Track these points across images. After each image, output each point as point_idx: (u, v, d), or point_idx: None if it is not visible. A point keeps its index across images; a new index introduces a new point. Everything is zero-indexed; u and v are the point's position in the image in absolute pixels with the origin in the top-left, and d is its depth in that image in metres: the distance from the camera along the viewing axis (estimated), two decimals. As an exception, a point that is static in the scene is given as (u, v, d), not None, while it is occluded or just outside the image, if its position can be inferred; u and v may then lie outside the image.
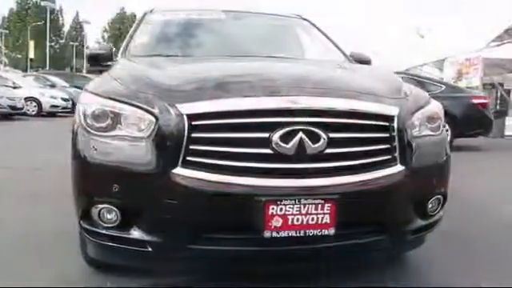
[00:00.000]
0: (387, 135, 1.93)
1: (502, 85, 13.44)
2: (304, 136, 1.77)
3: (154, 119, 1.84)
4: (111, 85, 2.12)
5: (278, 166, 1.79)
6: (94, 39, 49.06)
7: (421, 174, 2.02)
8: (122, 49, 3.02)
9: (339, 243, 1.88)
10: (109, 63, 3.01)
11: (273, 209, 1.76)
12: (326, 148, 1.80)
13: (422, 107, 2.15)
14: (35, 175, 4.96)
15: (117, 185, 1.85)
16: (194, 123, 1.77)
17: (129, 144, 1.87)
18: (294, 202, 1.77)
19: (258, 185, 1.77)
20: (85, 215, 1.97)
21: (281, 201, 1.76)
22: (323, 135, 1.79)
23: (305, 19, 3.67)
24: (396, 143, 1.94)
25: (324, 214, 1.79)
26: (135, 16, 49.08)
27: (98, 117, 1.95)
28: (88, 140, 1.94)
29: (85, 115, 1.99)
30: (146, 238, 1.87)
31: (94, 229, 1.96)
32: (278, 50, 3.13)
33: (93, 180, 1.94)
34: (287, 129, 1.77)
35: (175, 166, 1.78)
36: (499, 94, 12.73)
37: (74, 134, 2.05)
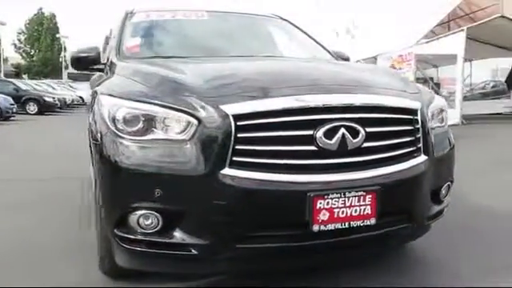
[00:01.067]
0: (413, 128, 2.04)
1: (432, 79, 14.40)
2: (345, 131, 1.84)
3: (195, 121, 1.82)
4: (136, 87, 2.06)
5: (322, 162, 1.85)
6: (10, 41, 45.84)
7: (438, 163, 2.16)
8: (113, 50, 2.91)
9: (377, 232, 1.97)
10: (98, 66, 2.93)
11: (320, 203, 1.81)
12: (363, 142, 1.88)
13: (432, 101, 2.30)
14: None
15: (159, 189, 1.80)
16: (239, 123, 1.78)
17: (170, 147, 1.84)
18: (339, 195, 1.83)
19: (305, 181, 1.82)
20: (120, 223, 1.90)
21: (327, 195, 1.81)
22: (361, 130, 1.87)
23: (284, 19, 3.74)
24: (420, 135, 2.06)
25: (366, 205, 1.87)
26: (55, 16, 46.60)
27: (130, 121, 1.90)
28: (121, 145, 1.88)
29: (114, 119, 1.93)
30: (190, 241, 1.84)
31: (130, 236, 1.90)
32: (276, 50, 3.18)
33: (131, 186, 1.87)
34: (330, 125, 1.83)
35: (223, 166, 1.77)
36: (430, 87, 13.64)
37: (98, 140, 1.98)
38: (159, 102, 1.89)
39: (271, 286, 2.10)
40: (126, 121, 1.91)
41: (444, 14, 14.83)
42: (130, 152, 1.86)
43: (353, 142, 1.86)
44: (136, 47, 2.96)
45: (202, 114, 1.82)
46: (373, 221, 1.90)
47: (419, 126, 2.06)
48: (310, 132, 1.82)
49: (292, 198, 1.81)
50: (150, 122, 1.88)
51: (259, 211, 1.82)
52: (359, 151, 1.88)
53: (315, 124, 1.83)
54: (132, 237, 1.90)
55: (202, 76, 2.09)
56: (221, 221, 1.81)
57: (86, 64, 2.99)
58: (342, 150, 1.84)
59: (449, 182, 2.31)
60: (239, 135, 1.78)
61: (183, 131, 1.84)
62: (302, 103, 1.84)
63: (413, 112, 2.05)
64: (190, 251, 1.86)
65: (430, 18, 15.04)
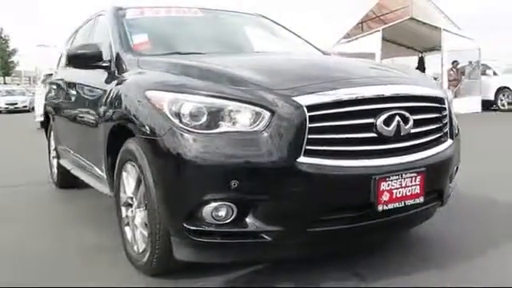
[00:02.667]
0: (441, 115, 2.28)
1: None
2: (399, 119, 2.02)
3: (268, 113, 1.89)
4: (192, 82, 2.07)
5: (382, 147, 2.01)
6: None
7: (456, 145, 2.42)
8: (117, 47, 2.84)
9: (421, 210, 2.19)
10: (103, 63, 2.85)
11: (383, 185, 1.97)
12: (411, 128, 2.08)
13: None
14: None
15: (236, 181, 1.85)
16: (311, 114, 1.88)
17: (244, 139, 1.88)
18: (397, 177, 2.00)
19: (370, 165, 1.97)
20: (191, 216, 1.92)
21: (389, 177, 1.98)
22: (410, 117, 2.06)
23: (267, 18, 3.87)
24: (447, 121, 2.31)
25: (416, 185, 2.07)
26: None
27: (197, 115, 1.92)
28: (191, 140, 1.90)
29: (179, 114, 1.94)
30: (264, 228, 1.91)
31: (202, 228, 1.92)
32: (280, 47, 3.30)
33: (205, 179, 1.89)
34: (388, 113, 2.00)
35: (298, 155, 1.87)
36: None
37: (157, 136, 1.97)
38: (229, 96, 1.93)
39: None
40: (192, 115, 1.93)
41: (360, 16, 15.78)
42: (203, 146, 1.88)
43: (405, 128, 2.04)
44: (146, 44, 2.91)
45: (274, 105, 1.89)
46: (421, 199, 2.10)
47: (446, 112, 2.30)
48: (372, 120, 1.98)
49: (359, 182, 1.95)
50: (219, 115, 1.91)
51: (330, 196, 1.94)
52: (409, 136, 2.08)
53: (375, 112, 1.99)
54: (205, 229, 1.92)
55: (257, 70, 2.16)
56: (294, 207, 1.90)
57: (85, 61, 2.89)
58: (397, 135, 2.02)
59: (458, 164, 2.60)
60: (312, 125, 1.88)
61: (255, 123, 1.90)
62: (363, 94, 1.99)
63: (441, 100, 2.29)
64: (264, 238, 1.93)
65: (348, 20, 15.95)
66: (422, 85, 2.29)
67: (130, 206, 2.43)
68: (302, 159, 1.87)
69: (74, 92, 3.51)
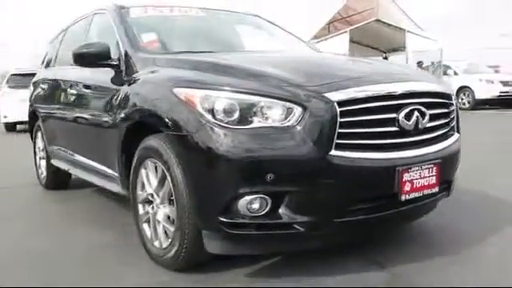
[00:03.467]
0: (449, 110, 2.43)
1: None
2: (418, 114, 2.15)
3: (300, 108, 1.97)
4: (220, 79, 2.12)
5: (404, 140, 2.14)
6: None
7: (459, 139, 2.58)
8: (129, 45, 2.85)
9: (435, 199, 2.33)
10: (112, 62, 2.85)
11: (405, 176, 2.09)
12: (428, 122, 2.21)
13: None
14: None
15: (272, 174, 1.92)
16: (342, 109, 1.98)
17: (278, 134, 1.95)
18: (417, 168, 2.13)
19: (394, 157, 2.09)
20: (226, 210, 1.98)
21: (410, 169, 2.11)
22: (427, 112, 2.20)
23: (261, 17, 3.96)
24: (454, 115, 2.46)
25: (433, 176, 2.20)
26: None
27: (229, 111, 1.98)
28: (225, 135, 1.95)
29: (212, 111, 1.99)
30: (296, 219, 1.99)
31: (237, 221, 1.99)
32: (282, 45, 3.39)
33: (241, 173, 1.95)
34: (409, 108, 2.12)
35: (330, 148, 1.96)
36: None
37: (189, 132, 2.02)
38: (261, 92, 2.00)
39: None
40: (225, 111, 1.99)
41: (328, 18, 16.14)
42: (239, 141, 1.94)
43: (422, 123, 2.18)
44: (155, 42, 2.93)
45: (306, 101, 1.98)
46: (436, 189, 2.24)
47: (453, 108, 2.46)
48: (394, 115, 2.10)
49: (385, 173, 2.07)
50: (252, 111, 1.98)
51: (358, 187, 2.05)
52: (425, 130, 2.22)
53: (398, 108, 2.11)
54: (240, 221, 1.99)
55: (281, 68, 2.24)
56: (326, 198, 1.99)
57: (92, 60, 2.88)
58: (416, 129, 2.16)
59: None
60: (342, 120, 1.98)
61: (287, 118, 1.97)
62: (387, 90, 2.11)
63: (449, 96, 2.44)
64: (296, 229, 2.01)
65: (315, 21, 16.28)
66: (433, 82, 2.44)
67: (150, 202, 2.45)
68: (333, 152, 1.96)
69: (73, 91, 3.47)
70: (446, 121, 2.39)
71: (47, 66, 4.74)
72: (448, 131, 2.42)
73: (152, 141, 2.35)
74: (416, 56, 15.40)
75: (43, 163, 4.54)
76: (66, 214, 3.64)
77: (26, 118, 5.00)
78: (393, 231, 2.80)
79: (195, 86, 2.11)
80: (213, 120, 1.99)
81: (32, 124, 4.81)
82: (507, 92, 14.08)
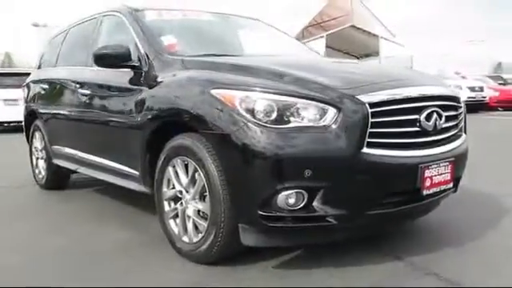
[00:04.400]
0: (458, 112, 2.63)
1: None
2: (436, 115, 2.34)
3: (334, 109, 2.12)
4: (258, 81, 2.25)
5: (424, 140, 2.32)
6: None
7: (467, 139, 2.79)
8: (150, 47, 2.93)
9: (447, 194, 2.52)
10: (132, 63, 2.93)
11: (426, 173, 2.27)
12: (444, 123, 2.41)
13: None
14: None
15: (309, 170, 2.06)
16: (372, 110, 2.14)
17: (315, 133, 2.10)
18: (436, 165, 2.32)
19: (417, 155, 2.27)
20: (265, 204, 2.11)
21: (431, 166, 2.29)
22: (443, 114, 2.39)
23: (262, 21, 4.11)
24: (462, 117, 2.67)
25: (448, 172, 2.40)
26: None
27: (268, 111, 2.12)
28: (265, 134, 2.08)
29: (252, 111, 2.12)
30: (330, 212, 2.14)
31: (276, 214, 2.12)
32: (291, 49, 3.56)
33: (281, 169, 2.08)
34: (429, 110, 2.31)
35: (362, 146, 2.12)
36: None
37: (235, 131, 2.13)
38: (298, 94, 2.14)
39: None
40: (265, 111, 2.12)
41: (305, 22, 16.46)
42: (278, 139, 2.07)
43: (440, 123, 2.37)
44: (176, 45, 3.02)
45: (340, 103, 2.13)
46: (450, 185, 2.44)
47: (462, 110, 2.67)
48: (416, 116, 2.28)
49: (409, 170, 2.24)
50: (289, 111, 2.12)
51: (386, 182, 2.22)
52: (442, 130, 2.41)
53: (419, 109, 2.29)
54: (279, 214, 2.12)
55: (311, 71, 2.40)
56: (357, 192, 2.15)
57: (113, 61, 2.95)
58: (434, 129, 2.34)
59: None
60: (372, 120, 2.14)
61: (322, 118, 2.12)
62: (412, 93, 2.30)
63: (459, 100, 2.65)
64: (330, 221, 2.16)
65: (291, 27, 16.58)
66: (445, 86, 2.64)
67: (178, 199, 2.55)
68: (365, 150, 2.12)
69: (85, 91, 3.50)
70: (456, 122, 2.59)
71: (45, 66, 4.74)
72: (459, 131, 2.62)
73: (183, 139, 2.45)
74: (388, 61, 15.89)
75: (42, 163, 4.53)
76: (74, 213, 3.66)
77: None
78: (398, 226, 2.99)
79: (234, 87, 2.23)
80: (253, 120, 2.11)
81: (28, 124, 4.78)
82: (474, 97, 14.80)
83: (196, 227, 2.46)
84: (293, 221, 2.15)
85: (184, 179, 2.49)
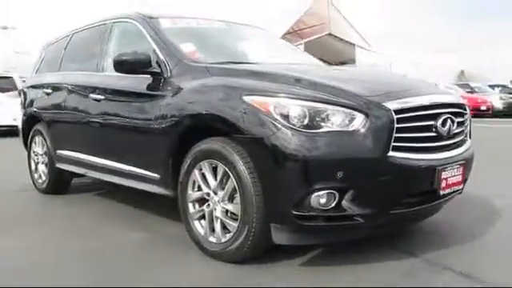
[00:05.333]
0: (464, 118, 2.84)
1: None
2: (450, 121, 2.53)
3: (362, 115, 2.28)
4: (288, 88, 2.39)
5: (440, 144, 2.51)
6: None
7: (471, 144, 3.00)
8: (170, 54, 3.03)
9: (457, 194, 2.72)
10: (153, 70, 3.01)
11: (443, 174, 2.46)
12: (455, 129, 2.61)
13: None
14: None
15: (341, 172, 2.21)
16: (397, 116, 2.31)
17: (345, 137, 2.25)
18: (451, 168, 2.51)
19: (434, 158, 2.45)
20: (299, 204, 2.24)
21: (446, 168, 2.48)
22: (455, 120, 2.59)
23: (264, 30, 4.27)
24: (467, 123, 2.88)
25: (459, 174, 2.59)
26: None
27: (301, 117, 2.26)
28: (300, 138, 2.22)
29: (286, 116, 2.26)
30: (358, 211, 2.29)
31: (309, 213, 2.25)
32: (300, 57, 3.72)
33: (314, 171, 2.22)
34: (444, 117, 2.50)
35: (388, 150, 2.28)
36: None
37: (270, 135, 2.26)
38: (328, 101, 2.29)
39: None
40: (298, 117, 2.26)
41: (283, 30, 16.73)
42: (312, 143, 2.21)
43: (452, 129, 2.56)
44: (195, 53, 3.12)
45: (368, 109, 2.29)
46: (461, 186, 2.64)
47: (467, 117, 2.87)
48: (433, 122, 2.47)
49: (429, 171, 2.42)
50: (321, 117, 2.26)
51: (409, 183, 2.39)
52: (454, 135, 2.60)
53: (435, 116, 2.48)
54: (312, 214, 2.25)
55: (335, 79, 2.55)
56: (383, 192, 2.31)
57: (134, 67, 3.02)
58: (448, 134, 2.54)
59: None
60: (397, 125, 2.31)
61: (351, 123, 2.27)
62: (430, 101, 2.49)
63: (465, 107, 2.85)
64: (357, 220, 2.31)
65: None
66: (453, 95, 2.84)
67: (205, 201, 2.65)
68: (390, 153, 2.29)
69: (97, 97, 3.54)
70: (463, 128, 2.79)
71: (45, 71, 4.75)
72: (465, 137, 2.82)
73: (212, 143, 2.56)
74: (370, 69, 16.33)
75: (42, 168, 4.53)
76: (84, 216, 3.70)
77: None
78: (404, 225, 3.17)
79: (267, 94, 2.36)
80: (288, 124, 2.25)
81: (27, 129, 4.77)
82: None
83: (224, 227, 2.56)
84: (324, 220, 2.29)
85: (212, 181, 2.60)
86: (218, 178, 2.56)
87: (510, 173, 5.33)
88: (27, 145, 4.84)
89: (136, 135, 3.16)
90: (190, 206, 2.75)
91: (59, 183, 4.43)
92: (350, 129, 2.27)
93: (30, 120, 4.71)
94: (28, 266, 2.62)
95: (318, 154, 2.22)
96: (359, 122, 2.27)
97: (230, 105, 2.45)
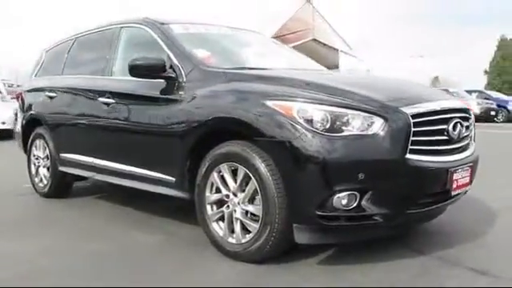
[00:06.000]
0: (470, 122, 2.98)
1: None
2: (459, 125, 2.67)
3: (381, 119, 2.39)
4: (309, 94, 2.48)
5: (451, 147, 2.64)
6: None
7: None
8: (185, 59, 3.09)
9: (463, 195, 2.86)
10: (168, 74, 3.07)
11: (454, 176, 2.59)
12: (464, 132, 2.74)
13: None
14: None
15: (362, 173, 2.32)
16: (414, 121, 2.43)
17: (366, 140, 2.36)
18: (461, 169, 2.64)
19: (447, 160, 2.58)
20: (323, 205, 2.33)
21: (457, 170, 2.61)
22: (464, 124, 2.73)
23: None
24: (472, 127, 3.02)
25: (468, 176, 2.73)
26: None
27: (324, 121, 2.36)
28: (323, 141, 2.32)
29: (309, 121, 2.36)
30: (377, 211, 2.39)
31: (331, 214, 2.35)
32: (306, 63, 3.84)
33: (337, 173, 2.32)
34: (454, 121, 2.63)
35: (406, 152, 2.40)
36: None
37: (293, 138, 2.35)
38: (349, 105, 2.40)
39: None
40: (321, 121, 2.35)
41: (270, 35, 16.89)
42: (334, 146, 2.32)
43: (462, 133, 2.70)
44: (210, 58, 3.19)
45: (386, 114, 2.40)
46: (469, 187, 2.77)
47: (472, 121, 3.02)
48: (445, 126, 2.60)
49: (442, 173, 2.54)
50: (342, 121, 2.37)
51: (424, 184, 2.51)
52: (462, 139, 2.74)
53: (447, 120, 2.61)
54: (334, 214, 2.35)
55: (352, 85, 2.65)
56: (400, 193, 2.43)
57: (149, 72, 3.08)
58: (458, 138, 2.67)
59: None
60: (413, 129, 2.43)
61: (370, 127, 2.38)
62: (443, 106, 2.62)
63: (470, 112, 3.00)
64: (376, 220, 2.41)
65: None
66: (459, 100, 2.99)
67: (224, 202, 2.72)
68: (408, 156, 2.40)
69: (107, 100, 3.57)
70: (468, 132, 2.94)
71: (45, 74, 4.74)
72: (470, 140, 2.97)
73: (232, 146, 2.63)
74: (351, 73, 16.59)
75: (44, 171, 4.52)
76: (92, 219, 3.72)
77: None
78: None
79: (290, 99, 2.45)
80: (311, 128, 2.34)
81: (27, 132, 4.75)
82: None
83: (243, 228, 2.64)
84: (345, 220, 2.39)
85: (232, 183, 2.67)
86: (239, 180, 2.63)
87: (496, 177, 5.52)
88: (26, 148, 4.82)
89: (150, 138, 3.21)
90: (208, 207, 2.81)
91: (61, 187, 4.43)
92: (370, 132, 2.37)
93: (31, 123, 4.70)
94: (46, 268, 2.65)
95: (341, 156, 2.32)
96: (378, 126, 2.38)
97: (253, 109, 2.53)
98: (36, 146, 4.63)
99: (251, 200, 2.60)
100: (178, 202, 3.08)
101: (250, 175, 2.54)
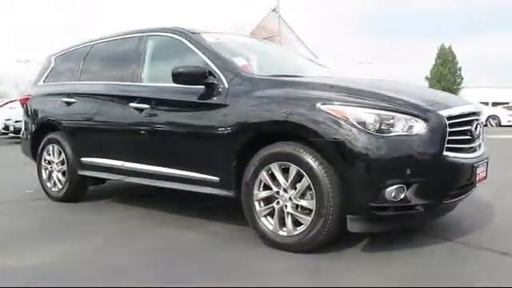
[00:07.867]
0: (479, 123, 3.39)
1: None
2: (479, 126, 3.07)
3: (423, 122, 2.72)
4: (357, 99, 2.78)
5: (472, 145, 3.03)
6: None
7: None
8: (223, 67, 3.31)
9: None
10: (209, 81, 3.29)
11: (477, 170, 2.97)
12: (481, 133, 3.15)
13: None
14: None
15: (410, 169, 2.65)
16: (449, 122, 2.79)
17: (411, 139, 2.68)
18: (481, 165, 3.03)
19: (471, 157, 2.97)
20: (375, 197, 2.64)
21: (479, 166, 2.99)
22: (480, 124, 3.13)
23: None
24: (482, 128, 3.43)
25: (485, 170, 3.13)
26: None
27: (375, 123, 2.67)
28: (376, 141, 2.63)
29: (363, 123, 2.66)
30: (419, 202, 2.72)
31: (383, 205, 2.66)
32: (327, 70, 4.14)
33: (390, 169, 2.64)
34: (476, 123, 3.03)
35: (443, 150, 2.75)
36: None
37: (349, 138, 2.65)
38: (396, 109, 2.72)
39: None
40: (373, 123, 2.66)
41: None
42: (386, 145, 2.63)
43: (480, 132, 3.10)
44: (248, 66, 3.43)
45: (427, 116, 2.74)
46: (485, 181, 3.17)
47: (481, 122, 3.43)
48: (469, 127, 2.99)
49: (469, 168, 2.92)
50: (390, 123, 2.68)
51: (456, 177, 2.87)
52: (479, 137, 3.14)
53: (471, 122, 3.00)
54: (385, 205, 2.66)
55: (393, 91, 2.96)
56: (438, 185, 2.77)
57: (192, 79, 3.29)
58: (477, 137, 3.07)
59: None
60: (448, 130, 2.79)
61: (413, 128, 2.71)
62: (469, 109, 3.01)
63: (479, 113, 3.41)
64: (418, 209, 2.75)
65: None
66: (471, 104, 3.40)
67: (274, 199, 2.97)
68: (444, 153, 2.76)
69: (140, 106, 3.70)
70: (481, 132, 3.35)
71: (56, 80, 4.79)
72: (482, 139, 3.38)
73: (283, 147, 2.89)
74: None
75: (58, 176, 4.57)
76: (125, 221, 3.83)
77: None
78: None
79: (342, 103, 2.74)
80: (364, 130, 2.65)
81: (39, 138, 4.77)
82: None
83: (296, 221, 2.89)
84: (393, 210, 2.71)
85: (283, 181, 2.92)
86: (291, 177, 2.88)
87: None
88: (35, 154, 4.83)
89: (192, 141, 3.40)
90: (256, 204, 3.05)
91: (78, 190, 4.50)
92: (413, 133, 2.71)
93: (42, 129, 4.73)
94: (105, 267, 2.77)
95: (392, 154, 2.64)
96: (420, 127, 2.72)
97: (307, 113, 2.79)
98: (48, 152, 4.66)
99: (302, 195, 2.86)
100: (199, 203, 3.22)
101: (303, 173, 2.81)
